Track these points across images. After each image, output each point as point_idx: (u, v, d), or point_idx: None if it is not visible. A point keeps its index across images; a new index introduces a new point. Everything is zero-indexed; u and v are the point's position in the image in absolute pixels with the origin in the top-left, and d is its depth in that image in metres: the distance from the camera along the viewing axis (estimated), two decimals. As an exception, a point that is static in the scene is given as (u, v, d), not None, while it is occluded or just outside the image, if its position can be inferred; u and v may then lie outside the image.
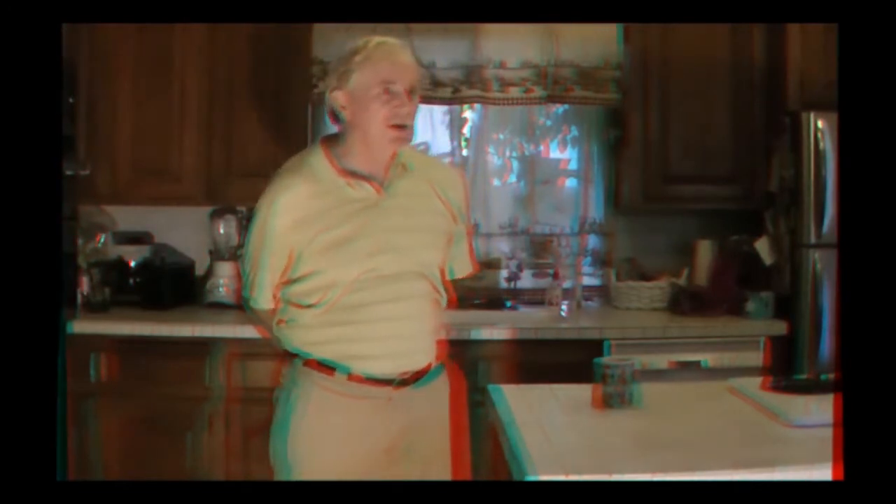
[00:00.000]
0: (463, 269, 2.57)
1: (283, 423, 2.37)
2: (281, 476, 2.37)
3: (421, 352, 2.40)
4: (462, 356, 3.60)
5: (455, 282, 2.54)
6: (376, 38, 2.33)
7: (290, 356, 2.40)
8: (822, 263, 3.71)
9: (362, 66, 2.28)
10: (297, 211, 2.30)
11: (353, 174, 2.33)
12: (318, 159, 2.35)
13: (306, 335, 2.35)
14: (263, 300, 2.39)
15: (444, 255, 2.45)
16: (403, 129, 2.32)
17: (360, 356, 2.32)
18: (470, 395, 3.43)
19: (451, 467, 2.46)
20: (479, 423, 3.43)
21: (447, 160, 4.27)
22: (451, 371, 2.51)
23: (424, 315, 2.39)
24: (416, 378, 2.38)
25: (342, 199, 2.31)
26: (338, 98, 2.32)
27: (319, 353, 2.34)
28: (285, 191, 2.32)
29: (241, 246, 4.15)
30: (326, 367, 2.33)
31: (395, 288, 2.32)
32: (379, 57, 2.29)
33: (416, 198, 2.39)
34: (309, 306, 2.33)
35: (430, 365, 2.41)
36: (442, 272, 2.46)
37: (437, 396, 2.45)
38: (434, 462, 2.42)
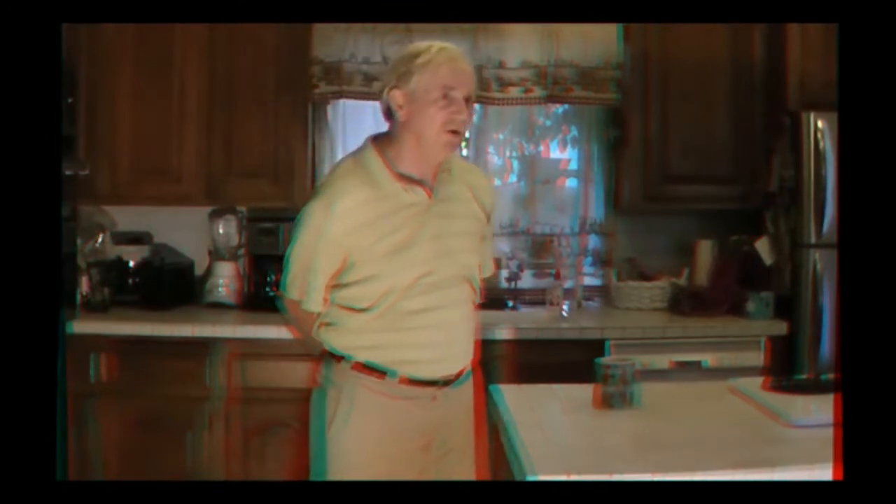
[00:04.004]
0: (488, 269, 2.61)
1: (324, 423, 2.37)
2: (317, 473, 2.38)
3: (464, 354, 2.45)
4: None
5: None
6: (439, 43, 2.35)
7: (329, 357, 2.40)
8: (822, 263, 3.71)
9: (424, 69, 2.30)
10: (355, 216, 2.30)
11: (407, 179, 2.35)
12: (374, 163, 2.36)
13: (354, 339, 2.37)
14: (314, 303, 2.39)
15: (480, 256, 2.50)
16: (458, 134, 2.34)
17: (409, 361, 2.35)
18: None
19: (476, 463, 2.50)
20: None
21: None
22: (476, 369, 2.55)
23: (468, 319, 2.45)
24: (456, 378, 2.42)
25: (398, 204, 2.33)
26: (395, 97, 2.33)
27: (366, 356, 2.35)
28: (343, 195, 2.32)
29: (241, 246, 4.18)
30: (376, 371, 2.35)
31: (445, 294, 2.36)
32: (441, 62, 2.30)
33: (460, 202, 2.43)
34: (361, 310, 2.34)
35: (468, 366, 2.47)
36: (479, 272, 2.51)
37: (468, 394, 2.50)
38: (464, 457, 2.47)
